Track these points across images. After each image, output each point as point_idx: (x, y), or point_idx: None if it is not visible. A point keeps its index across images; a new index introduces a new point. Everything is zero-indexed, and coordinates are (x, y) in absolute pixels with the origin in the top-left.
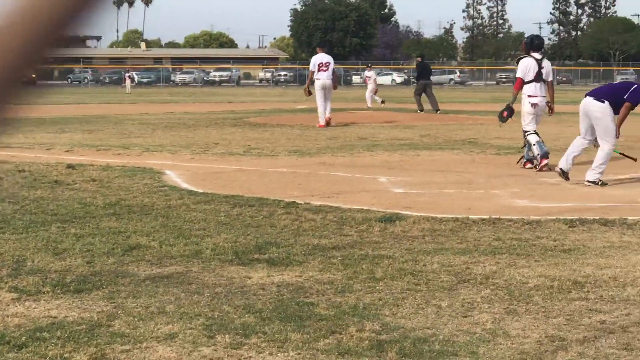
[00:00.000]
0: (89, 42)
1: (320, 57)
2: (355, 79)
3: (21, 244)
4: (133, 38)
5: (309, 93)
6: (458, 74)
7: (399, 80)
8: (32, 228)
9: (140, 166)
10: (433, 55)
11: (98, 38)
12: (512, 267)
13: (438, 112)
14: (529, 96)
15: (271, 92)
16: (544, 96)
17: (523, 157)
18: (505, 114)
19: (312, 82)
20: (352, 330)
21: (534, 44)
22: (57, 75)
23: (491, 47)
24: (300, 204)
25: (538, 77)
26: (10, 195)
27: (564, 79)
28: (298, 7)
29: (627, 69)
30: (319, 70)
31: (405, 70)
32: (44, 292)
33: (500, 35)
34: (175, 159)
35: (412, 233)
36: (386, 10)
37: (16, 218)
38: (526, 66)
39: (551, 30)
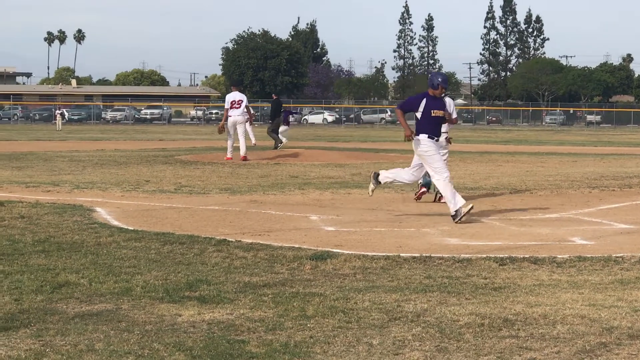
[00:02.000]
0: (19, 79)
1: (233, 95)
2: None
3: None
4: (64, 75)
5: (222, 130)
6: (389, 113)
7: (330, 119)
8: None
9: (70, 203)
10: (364, 94)
11: (28, 75)
12: (443, 305)
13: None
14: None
15: (202, 129)
16: (444, 132)
17: (436, 192)
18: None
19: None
20: None
21: (434, 83)
22: None
23: (422, 86)
24: (232, 241)
25: None
26: None
27: (494, 118)
28: (230, 45)
29: (555, 109)
30: (231, 108)
31: (337, 109)
32: None
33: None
34: (106, 196)
35: (343, 271)
36: (319, 50)
37: None
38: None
39: (481, 70)
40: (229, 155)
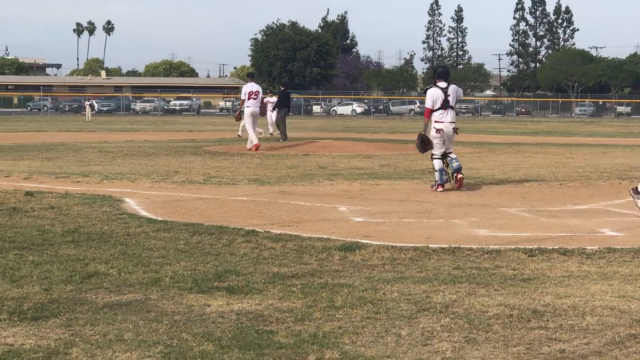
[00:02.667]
0: (48, 70)
1: (250, 86)
2: (316, 108)
3: None
4: (94, 66)
5: (239, 118)
6: (418, 104)
7: (359, 110)
8: None
9: (100, 194)
10: (393, 85)
11: (58, 66)
12: (472, 296)
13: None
14: (435, 122)
15: (231, 121)
16: (451, 122)
17: (454, 172)
18: (417, 142)
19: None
20: (312, 358)
21: (438, 74)
22: (17, 103)
23: (451, 77)
24: (260, 232)
25: (445, 105)
26: None
27: (523, 110)
28: (259, 36)
29: (585, 100)
30: (248, 99)
31: (366, 101)
32: (0, 320)
33: (460, 66)
34: (135, 187)
35: (371, 262)
36: (348, 41)
37: None
38: (433, 96)
39: (510, 61)
40: (256, 142)
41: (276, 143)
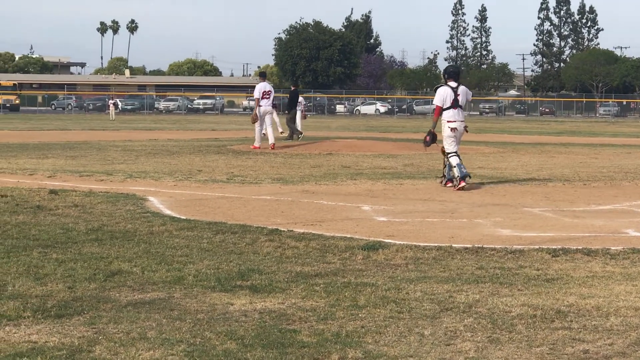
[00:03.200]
0: (73, 69)
1: (263, 86)
2: (339, 108)
3: (2, 269)
4: (118, 65)
5: (257, 119)
6: None
7: (382, 109)
8: (14, 253)
9: (123, 192)
10: (417, 85)
11: (82, 65)
12: (495, 296)
13: (291, 139)
14: (448, 121)
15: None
16: (462, 120)
17: (444, 176)
18: (427, 139)
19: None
20: (335, 357)
21: (449, 74)
22: (41, 102)
23: (475, 77)
24: (284, 231)
25: (455, 104)
26: None
27: (547, 110)
28: (282, 36)
29: (609, 101)
30: (262, 98)
31: (389, 100)
32: (24, 317)
33: (484, 66)
34: (159, 186)
35: (395, 261)
36: (372, 41)
37: None
38: (443, 94)
39: (534, 61)
40: (257, 144)
41: (287, 142)
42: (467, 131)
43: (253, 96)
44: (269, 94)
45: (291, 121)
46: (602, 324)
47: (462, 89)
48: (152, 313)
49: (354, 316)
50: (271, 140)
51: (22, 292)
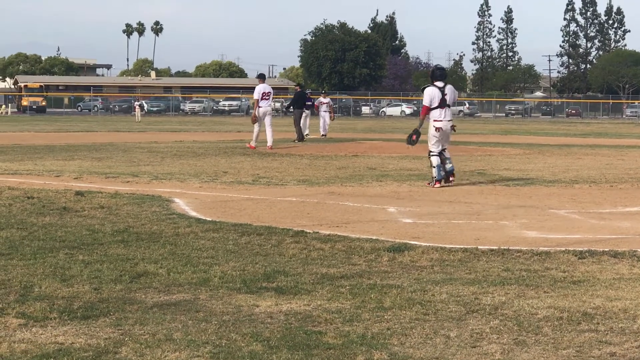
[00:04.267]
0: (99, 71)
1: (263, 87)
2: (365, 109)
3: (29, 270)
4: (143, 67)
5: (256, 119)
6: (467, 105)
7: (408, 111)
8: (40, 254)
9: (149, 194)
10: None
11: (108, 66)
12: (521, 298)
13: (295, 142)
14: (434, 120)
15: (280, 121)
16: (449, 120)
17: (434, 177)
18: (413, 137)
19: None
20: (360, 359)
21: (435, 74)
22: (67, 103)
23: (500, 79)
24: (309, 233)
25: (442, 103)
26: (19, 221)
27: (573, 111)
28: (308, 37)
29: (636, 102)
30: (261, 99)
31: (415, 102)
32: (51, 319)
33: (510, 67)
34: (184, 187)
35: (420, 263)
36: (397, 42)
37: (24, 244)
38: (430, 94)
39: (560, 62)
40: (253, 144)
41: (291, 143)
42: (454, 130)
43: (280, 98)
44: (268, 95)
45: (297, 122)
46: (629, 326)
47: (449, 88)
48: (178, 314)
49: (379, 318)
50: (269, 142)
51: (48, 294)
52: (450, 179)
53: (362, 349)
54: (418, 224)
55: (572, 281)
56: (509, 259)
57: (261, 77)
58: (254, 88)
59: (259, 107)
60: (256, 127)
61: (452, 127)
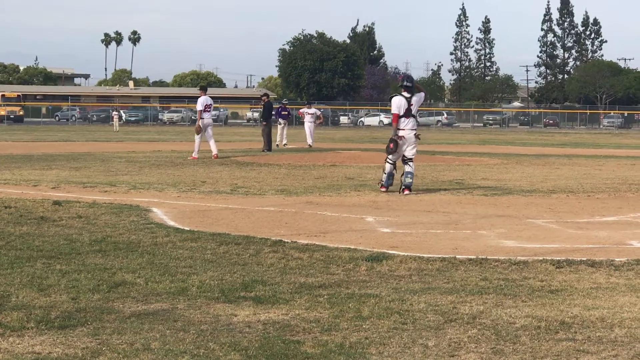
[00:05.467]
0: (77, 80)
1: (206, 99)
2: (343, 119)
3: (6, 280)
4: (121, 76)
5: (200, 130)
6: (445, 115)
7: (386, 121)
8: (18, 264)
9: (127, 203)
10: None
11: (86, 76)
12: (499, 307)
13: (264, 152)
14: (397, 129)
15: (258, 131)
16: (412, 129)
17: (403, 185)
18: (391, 145)
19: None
20: None
21: (402, 84)
22: (45, 113)
23: (478, 89)
24: (287, 242)
25: (407, 113)
26: None
27: (551, 121)
28: (286, 47)
29: (613, 112)
30: (204, 111)
31: None
32: (28, 328)
33: (488, 77)
34: (162, 197)
35: (399, 272)
36: (375, 52)
37: (1, 254)
38: (398, 103)
39: (538, 73)
40: (195, 155)
41: (262, 154)
42: (418, 138)
43: (258, 107)
44: (209, 107)
45: (265, 132)
46: (606, 335)
47: (415, 99)
48: (156, 324)
49: (357, 327)
50: (214, 151)
51: (25, 303)
52: (405, 192)
53: (340, 358)
54: (396, 234)
55: (550, 290)
56: (487, 268)
57: (203, 89)
58: (231, 97)
59: (202, 118)
60: (197, 138)
61: (417, 136)
